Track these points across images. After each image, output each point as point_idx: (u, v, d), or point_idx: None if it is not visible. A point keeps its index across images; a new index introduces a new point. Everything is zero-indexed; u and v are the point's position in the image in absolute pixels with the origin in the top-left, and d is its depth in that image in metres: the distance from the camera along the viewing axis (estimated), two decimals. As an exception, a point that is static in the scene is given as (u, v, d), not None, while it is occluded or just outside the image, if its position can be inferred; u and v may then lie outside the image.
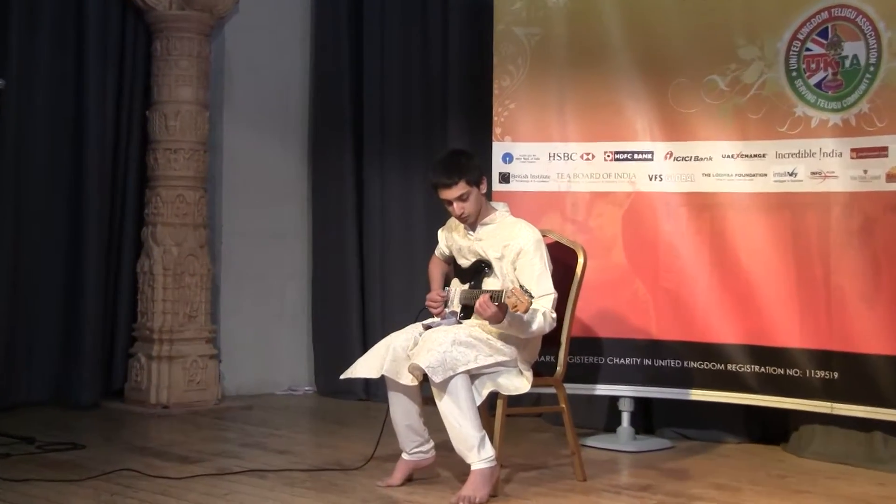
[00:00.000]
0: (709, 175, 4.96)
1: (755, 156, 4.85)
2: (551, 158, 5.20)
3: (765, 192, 4.83)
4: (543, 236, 4.17)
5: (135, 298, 6.17)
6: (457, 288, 4.25)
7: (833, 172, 4.66)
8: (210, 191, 6.37)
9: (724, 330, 4.91)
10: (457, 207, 4.07)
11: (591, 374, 5.09)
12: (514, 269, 4.04)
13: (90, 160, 6.00)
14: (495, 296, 3.82)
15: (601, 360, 5.09)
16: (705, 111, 4.95)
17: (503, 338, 4.01)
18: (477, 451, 3.85)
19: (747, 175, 4.88)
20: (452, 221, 4.31)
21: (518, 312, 3.73)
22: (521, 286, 3.73)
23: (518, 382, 4.05)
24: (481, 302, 3.81)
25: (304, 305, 6.94)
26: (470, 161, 4.08)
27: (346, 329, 6.67)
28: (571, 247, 4.39)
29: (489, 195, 4.43)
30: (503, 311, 3.80)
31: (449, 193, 4.05)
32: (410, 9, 6.57)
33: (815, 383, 4.68)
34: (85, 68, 6.01)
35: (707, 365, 4.93)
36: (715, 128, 4.94)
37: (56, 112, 5.99)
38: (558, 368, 4.26)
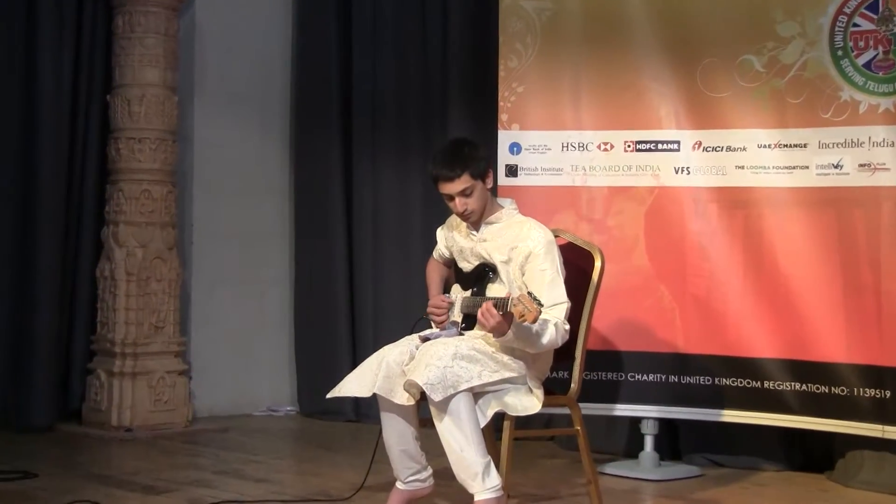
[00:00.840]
0: (743, 167, 4.95)
1: (795, 146, 4.84)
2: (564, 149, 5.20)
3: (806, 187, 4.82)
4: (556, 237, 4.15)
5: (94, 307, 6.16)
6: (458, 295, 4.24)
7: (884, 164, 4.65)
8: (179, 185, 6.36)
9: (760, 343, 4.90)
10: (459, 203, 4.06)
11: (610, 393, 5.07)
12: (523, 275, 4.03)
13: (43, 151, 5.98)
14: (500, 304, 3.81)
15: (621, 376, 5.08)
16: (739, 95, 4.94)
17: (510, 352, 4.00)
18: (481, 478, 3.83)
19: (786, 168, 4.87)
20: (453, 219, 4.30)
21: (526, 323, 3.72)
22: (530, 293, 3.72)
23: (527, 402, 4.04)
24: (483, 311, 3.80)
25: (285, 315, 6.94)
26: (475, 151, 4.08)
27: (334, 341, 6.67)
28: (587, 249, 4.38)
29: (494, 191, 4.41)
30: (508, 322, 3.79)
31: (450, 187, 4.04)
32: (406, -19, 6.59)
33: (864, 403, 4.67)
34: (36, 47, 6.00)
35: (741, 382, 4.92)
36: (750, 114, 4.93)
37: (3, 97, 5.97)
38: (573, 386, 4.25)
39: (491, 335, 3.92)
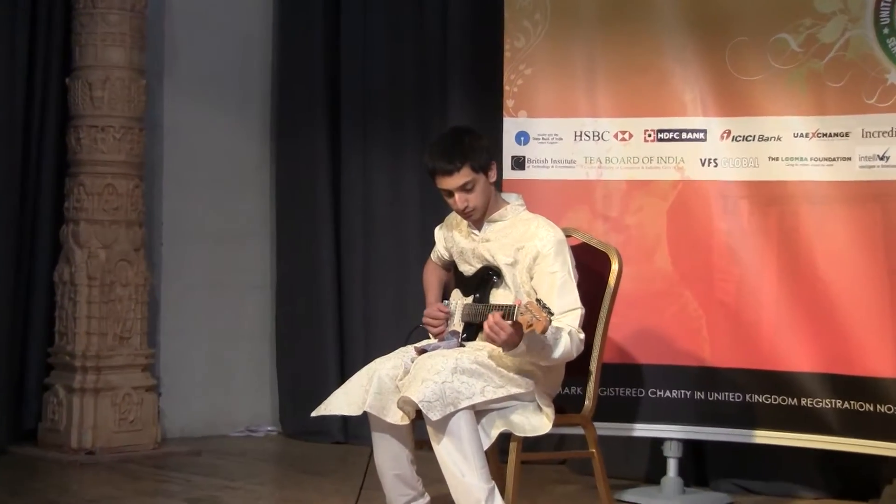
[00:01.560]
0: (777, 159, 4.94)
1: (836, 135, 4.84)
2: (577, 138, 5.20)
3: (848, 181, 4.82)
4: (567, 237, 4.16)
5: (52, 315, 6.15)
6: (458, 301, 4.24)
7: (936, 155, 4.67)
8: (147, 179, 6.36)
9: (796, 355, 4.89)
10: (459, 200, 4.06)
11: (629, 411, 5.07)
12: (531, 279, 4.04)
13: (-6, 142, 5.99)
14: (506, 312, 3.80)
15: (641, 392, 5.08)
16: (772, 78, 4.93)
17: (517, 364, 3.99)
18: (484, 507, 3.83)
19: (826, 159, 4.86)
20: (453, 217, 4.30)
21: (535, 333, 3.71)
22: (538, 300, 3.71)
23: (536, 421, 4.03)
24: (492, 322, 3.79)
25: (266, 324, 6.94)
26: (476, 141, 4.09)
27: (320, 354, 6.67)
28: (603, 250, 4.38)
29: (499, 185, 4.41)
30: (519, 334, 3.79)
31: (449, 182, 4.04)
32: (400, -49, 6.59)
33: (913, 423, 4.68)
34: (-14, 25, 6.01)
35: (775, 399, 4.92)
36: (784, 99, 4.92)
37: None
38: (587, 403, 4.25)
39: (499, 348, 3.91)
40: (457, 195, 4.06)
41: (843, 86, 4.81)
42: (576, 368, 4.19)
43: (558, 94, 5.21)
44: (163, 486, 5.34)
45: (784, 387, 4.90)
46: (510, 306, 3.82)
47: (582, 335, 3.97)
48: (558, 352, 3.90)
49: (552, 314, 3.69)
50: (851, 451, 4.82)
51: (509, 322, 3.78)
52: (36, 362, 6.18)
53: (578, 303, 3.98)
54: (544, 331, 3.69)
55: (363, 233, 6.66)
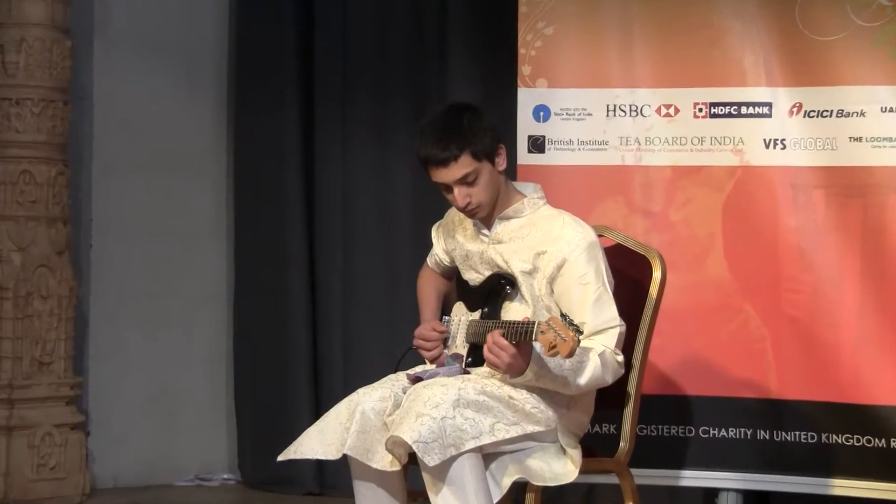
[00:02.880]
0: (859, 139, 4.95)
1: (934, 109, 4.88)
2: (610, 114, 5.22)
3: (950, 167, 4.85)
4: (599, 236, 4.14)
5: (-47, 335, 6.15)
6: (462, 318, 4.23)
7: None
8: (74, 165, 6.37)
9: (884, 384, 4.89)
10: (459, 195, 4.05)
11: (675, 454, 5.09)
12: (553, 292, 4.02)
13: None
14: (515, 331, 3.78)
15: (690, 431, 5.09)
16: (854, 38, 4.94)
17: (536, 395, 3.95)
18: (493, 574, 3.82)
19: (921, 140, 4.90)
20: (455, 213, 4.30)
21: (558, 357, 3.68)
22: (564, 315, 3.68)
23: (558, 466, 4.02)
24: (491, 343, 3.79)
25: (221, 345, 6.96)
26: (478, 121, 4.07)
27: (288, 382, 6.69)
28: (642, 253, 4.38)
29: (513, 172, 4.37)
30: (526, 358, 3.77)
31: (446, 174, 4.03)
32: None
33: None
34: None
35: (858, 440, 4.92)
36: (869, 65, 4.93)
37: None
38: (622, 444, 4.25)
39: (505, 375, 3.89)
40: (456, 190, 4.04)
41: (944, 48, 4.85)
42: (609, 401, 4.19)
43: (586, 58, 5.24)
44: (92, 549, 5.34)
45: (869, 424, 4.90)
46: (523, 323, 3.78)
47: (621, 357, 3.96)
48: (584, 378, 3.88)
49: (581, 332, 3.65)
50: (955, 504, 4.85)
51: (515, 342, 3.76)
52: (-65, 394, 6.18)
53: (618, 319, 3.97)
54: (571, 354, 3.65)
55: (342, 233, 6.68)
